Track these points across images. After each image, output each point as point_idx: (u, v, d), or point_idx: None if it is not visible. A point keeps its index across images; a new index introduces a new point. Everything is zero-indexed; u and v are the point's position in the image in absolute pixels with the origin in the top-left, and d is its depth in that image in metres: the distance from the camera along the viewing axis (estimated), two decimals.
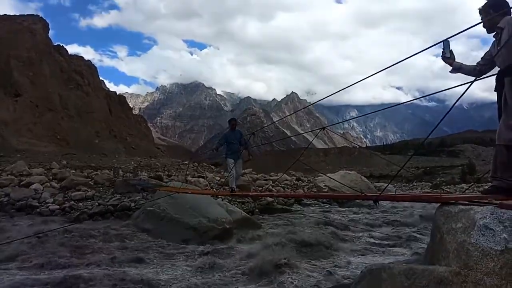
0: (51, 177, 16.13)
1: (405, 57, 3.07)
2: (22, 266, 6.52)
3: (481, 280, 2.32)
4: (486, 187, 3.54)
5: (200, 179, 18.69)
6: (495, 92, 3.37)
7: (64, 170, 19.21)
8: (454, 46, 3.47)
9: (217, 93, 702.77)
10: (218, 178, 20.27)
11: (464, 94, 3.14)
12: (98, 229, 9.57)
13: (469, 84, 2.96)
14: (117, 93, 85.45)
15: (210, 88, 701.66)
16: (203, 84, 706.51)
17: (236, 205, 14.21)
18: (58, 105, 55.66)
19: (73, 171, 19.55)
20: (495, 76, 3.33)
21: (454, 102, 3.15)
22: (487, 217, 2.50)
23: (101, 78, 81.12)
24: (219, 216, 9.96)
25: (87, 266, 6.60)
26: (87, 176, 17.00)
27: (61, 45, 70.48)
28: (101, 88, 75.23)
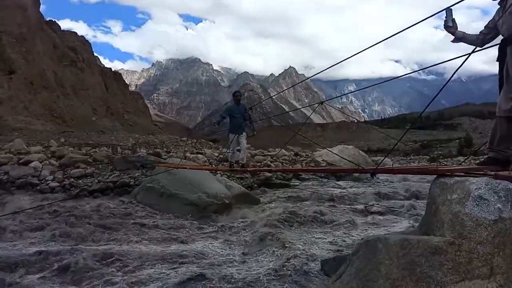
0: (49, 155, 16.13)
1: (403, 29, 2.98)
2: (15, 239, 6.65)
3: (474, 249, 2.37)
4: (483, 159, 3.53)
5: (199, 155, 18.75)
6: (497, 62, 3.26)
7: (63, 148, 19.21)
8: (453, 16, 3.34)
9: (214, 68, 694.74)
10: (217, 154, 20.35)
11: (463, 67, 3.06)
12: (97, 205, 9.67)
13: (467, 56, 2.91)
14: (113, 70, 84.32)
15: (207, 63, 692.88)
16: (199, 60, 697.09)
17: (235, 180, 14.34)
18: (53, 83, 54.98)
19: (71, 148, 19.55)
20: (498, 45, 3.22)
21: (451, 75, 3.08)
22: (482, 187, 2.54)
23: (95, 54, 79.77)
24: (218, 191, 10.08)
25: (85, 241, 6.73)
26: (86, 154, 17.02)
27: (53, 20, 68.94)
28: (96, 65, 74.15)
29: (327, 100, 4.86)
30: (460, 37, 3.37)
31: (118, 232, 7.41)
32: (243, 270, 5.44)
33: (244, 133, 8.19)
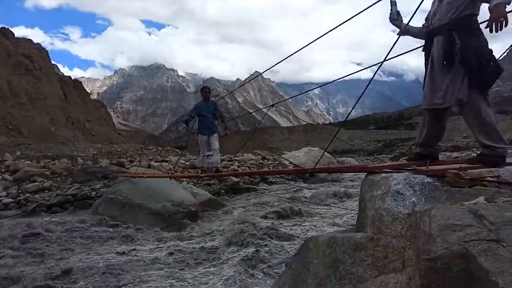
0: (3, 170, 15.24)
1: (335, 27, 3.04)
2: None
3: (390, 243, 2.39)
4: (441, 156, 3.59)
5: (164, 163, 18.36)
6: (423, 53, 3.18)
7: (18, 161, 18.20)
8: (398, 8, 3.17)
9: (179, 74, 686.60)
10: (183, 162, 20.04)
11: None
12: (55, 220, 9.20)
13: (381, 62, 3.01)
14: (72, 78, 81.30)
15: (172, 69, 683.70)
16: (164, 66, 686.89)
17: (202, 187, 14.17)
18: (7, 92, 52.16)
19: (29, 162, 18.56)
20: (426, 36, 3.15)
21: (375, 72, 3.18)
22: (401, 182, 2.59)
23: (53, 62, 76.54)
24: (184, 199, 9.88)
25: (40, 258, 6.36)
26: (44, 167, 16.21)
27: (6, 27, 65.53)
28: (53, 73, 71.13)
29: (278, 103, 4.89)
30: (405, 30, 3.28)
31: (76, 247, 7.05)
32: (201, 277, 5.32)
33: (215, 134, 7.42)
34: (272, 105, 4.33)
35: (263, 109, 5.95)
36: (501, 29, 2.43)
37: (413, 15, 3.09)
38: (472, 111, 2.81)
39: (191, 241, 7.60)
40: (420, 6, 3.00)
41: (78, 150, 32.24)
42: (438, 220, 1.88)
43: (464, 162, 3.08)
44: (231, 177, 15.11)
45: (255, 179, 17.17)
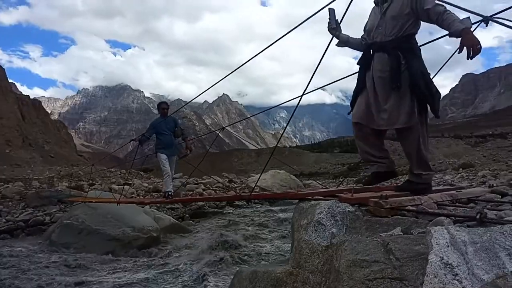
0: None
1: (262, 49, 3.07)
2: None
3: (307, 279, 2.21)
4: (403, 179, 3.56)
5: (126, 186, 17.70)
6: (359, 67, 3.03)
7: None
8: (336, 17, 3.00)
9: (146, 95, 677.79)
10: (146, 185, 19.46)
11: None
12: (4, 249, 8.50)
13: (300, 96, 3.05)
14: (31, 97, 78.06)
15: (138, 90, 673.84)
16: (129, 87, 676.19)
17: (165, 211, 13.74)
18: None
19: None
20: (364, 48, 2.98)
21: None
22: (324, 211, 2.41)
23: (10, 80, 73.33)
24: (145, 224, 9.50)
25: None
26: None
27: None
28: (10, 92, 67.97)
29: (229, 125, 4.90)
30: (344, 41, 3.06)
31: (23, 279, 6.49)
32: None
33: (175, 156, 6.88)
34: (223, 128, 4.31)
35: (215, 132, 5.95)
36: (475, 56, 2.22)
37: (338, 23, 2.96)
38: (413, 136, 2.69)
39: (150, 268, 7.24)
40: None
41: (35, 173, 30.57)
42: (347, 254, 1.78)
43: (393, 189, 3.02)
44: (195, 201, 14.75)
45: (220, 202, 16.89)
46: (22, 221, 11.02)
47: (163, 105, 7.01)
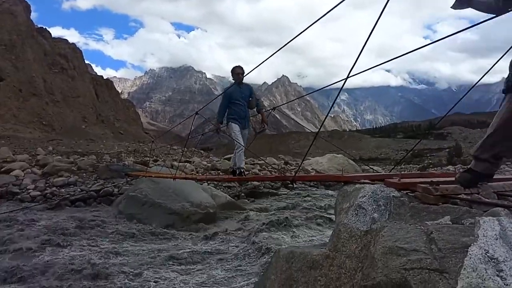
0: (33, 164, 15.84)
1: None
2: None
3: (343, 263, 2.14)
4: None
5: (186, 164, 18.57)
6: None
7: (48, 156, 18.90)
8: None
9: (207, 77, 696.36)
10: (205, 163, 20.22)
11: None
12: (77, 215, 9.46)
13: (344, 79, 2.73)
14: (104, 77, 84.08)
15: (200, 72, 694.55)
16: (193, 68, 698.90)
17: (221, 189, 14.22)
18: (42, 90, 54.49)
19: (59, 157, 19.23)
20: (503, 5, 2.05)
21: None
22: (366, 195, 2.32)
23: (87, 62, 79.60)
24: (203, 200, 9.93)
25: (65, 252, 6.52)
26: (72, 162, 16.75)
27: (44, 27, 68.67)
28: (87, 72, 73.80)
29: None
30: (467, 0, 2.31)
31: (93, 241, 7.20)
32: (219, 278, 5.29)
33: (247, 128, 6.08)
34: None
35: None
36: None
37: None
38: None
39: (207, 242, 7.61)
40: None
41: (106, 148, 33.14)
42: (385, 241, 1.68)
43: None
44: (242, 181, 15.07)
45: (276, 183, 17.06)
46: (94, 191, 12.11)
47: (238, 70, 5.98)
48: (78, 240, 7.24)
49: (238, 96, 5.92)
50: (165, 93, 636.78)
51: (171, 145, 31.00)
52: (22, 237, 7.15)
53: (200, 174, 16.80)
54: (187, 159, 21.85)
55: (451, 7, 2.42)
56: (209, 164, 20.09)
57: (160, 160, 20.60)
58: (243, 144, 5.84)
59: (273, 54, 3.28)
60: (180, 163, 15.21)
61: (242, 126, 5.93)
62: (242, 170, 6.02)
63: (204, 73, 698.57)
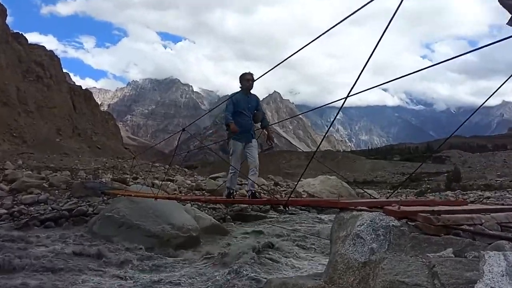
0: (0, 179, 15.51)
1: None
2: None
3: None
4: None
5: (169, 182, 18.41)
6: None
7: (17, 171, 18.52)
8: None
9: (194, 90, 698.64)
10: (189, 182, 20.06)
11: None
12: (46, 236, 9.22)
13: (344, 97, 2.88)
14: (83, 87, 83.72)
15: (187, 84, 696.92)
16: (178, 80, 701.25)
17: (206, 211, 14.10)
18: (15, 99, 53.88)
19: (30, 172, 18.88)
20: None
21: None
22: (365, 224, 2.33)
23: (65, 70, 79.29)
24: (185, 223, 9.83)
25: (19, 279, 6.29)
26: (43, 178, 16.44)
27: (20, 33, 68.45)
28: (64, 82, 73.41)
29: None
30: None
31: (61, 267, 6.97)
32: None
33: (253, 139, 5.73)
34: (183, 130, 4.26)
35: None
36: None
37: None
38: None
39: (189, 269, 7.46)
40: None
41: (82, 163, 32.68)
42: (385, 274, 1.68)
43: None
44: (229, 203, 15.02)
45: (264, 206, 16.98)
46: (67, 210, 11.87)
47: (248, 76, 5.62)
48: (39, 265, 6.99)
49: (245, 106, 5.59)
50: (148, 106, 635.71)
51: (153, 162, 30.75)
52: None
53: (183, 194, 16.66)
54: (170, 178, 21.67)
55: (507, 24, 2.46)
56: (194, 184, 19.96)
57: (140, 178, 20.38)
58: (237, 169, 5.67)
59: (274, 67, 3.34)
60: (162, 182, 15.07)
61: (247, 140, 5.62)
62: (232, 191, 5.88)
63: (191, 86, 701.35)
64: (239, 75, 5.81)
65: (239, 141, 5.55)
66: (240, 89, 5.68)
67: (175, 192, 16.83)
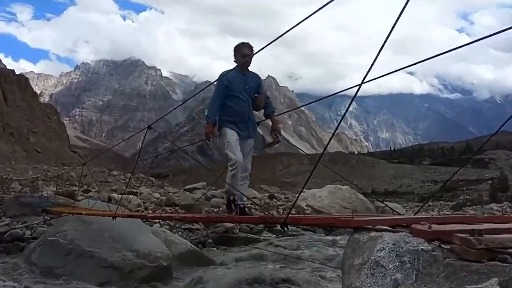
0: None
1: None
2: None
3: None
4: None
5: (131, 196, 18.37)
6: None
7: None
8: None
9: (163, 75, 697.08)
10: (158, 196, 20.06)
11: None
12: None
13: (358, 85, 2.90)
14: (16, 72, 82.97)
15: (153, 68, 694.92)
16: (143, 62, 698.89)
17: (180, 233, 14.09)
18: None
19: None
20: None
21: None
22: (386, 248, 2.34)
23: None
24: (153, 249, 9.81)
25: None
26: None
27: None
28: None
29: (153, 123, 4.80)
30: None
31: None
32: None
33: (251, 138, 5.64)
34: (149, 127, 4.27)
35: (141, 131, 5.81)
36: None
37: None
38: None
39: None
40: None
41: (16, 172, 32.43)
42: None
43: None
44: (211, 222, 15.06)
45: (255, 226, 17.02)
46: None
47: (245, 49, 5.49)
48: None
49: (241, 88, 5.45)
50: (103, 96, 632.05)
51: (110, 170, 30.63)
52: None
53: (150, 211, 16.63)
54: (132, 190, 21.59)
55: None
56: (163, 197, 19.92)
57: (93, 190, 20.31)
58: (240, 161, 5.28)
59: (268, 45, 3.37)
60: (122, 196, 15.00)
61: (244, 134, 5.46)
62: (237, 201, 5.43)
63: (159, 70, 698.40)
64: (234, 46, 5.65)
65: (233, 129, 5.37)
66: (235, 65, 5.49)
67: (139, 208, 16.79)
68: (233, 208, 5.41)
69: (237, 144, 5.33)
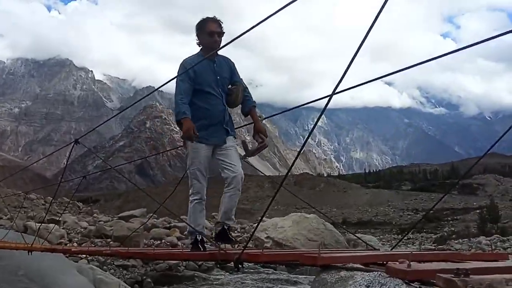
0: None
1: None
2: None
3: None
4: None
5: (52, 225, 17.99)
6: None
7: None
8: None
9: (96, 78, 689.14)
10: (85, 224, 19.72)
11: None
12: None
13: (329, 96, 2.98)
14: None
15: (84, 69, 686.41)
16: (71, 62, 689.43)
17: (113, 270, 13.87)
18: None
19: None
20: None
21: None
22: None
23: None
24: None
25: None
26: None
27: None
28: None
29: (81, 137, 4.81)
30: None
31: None
32: None
33: (231, 136, 5.14)
34: (76, 141, 4.22)
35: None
36: None
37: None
38: None
39: None
40: None
41: None
42: None
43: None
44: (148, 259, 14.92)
45: (204, 263, 16.95)
46: None
47: (212, 25, 4.98)
48: None
49: (210, 79, 4.95)
50: (20, 102, 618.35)
51: (27, 193, 29.91)
52: None
53: (75, 244, 16.29)
54: (54, 218, 21.13)
55: None
56: (92, 227, 19.59)
57: (5, 218, 19.77)
58: (202, 192, 5.01)
59: (223, 47, 3.36)
60: (41, 225, 14.65)
61: (219, 140, 5.00)
62: (198, 237, 4.97)
63: (91, 71, 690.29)
64: (196, 23, 5.11)
65: (204, 143, 4.89)
66: (199, 50, 5.09)
67: (62, 240, 16.44)
68: (202, 249, 4.90)
69: (205, 162, 4.95)
